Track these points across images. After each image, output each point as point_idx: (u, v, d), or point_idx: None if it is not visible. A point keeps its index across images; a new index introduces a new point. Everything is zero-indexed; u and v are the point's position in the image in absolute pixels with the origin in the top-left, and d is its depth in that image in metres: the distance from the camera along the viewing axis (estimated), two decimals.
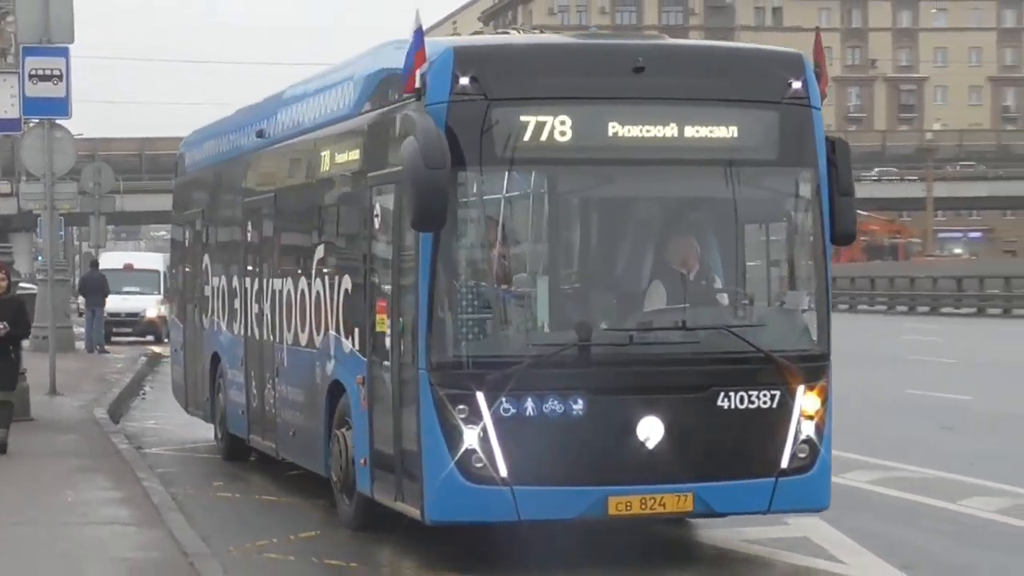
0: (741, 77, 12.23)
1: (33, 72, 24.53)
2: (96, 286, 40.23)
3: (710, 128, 11.88)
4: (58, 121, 25.66)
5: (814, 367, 11.98)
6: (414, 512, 11.73)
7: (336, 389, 14.17)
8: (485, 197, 11.69)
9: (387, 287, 12.61)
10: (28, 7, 25.06)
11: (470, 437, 11.20)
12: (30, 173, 26.96)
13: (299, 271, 15.80)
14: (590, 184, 12.61)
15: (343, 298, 14.01)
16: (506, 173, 11.62)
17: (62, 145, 25.85)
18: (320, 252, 15.05)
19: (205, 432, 21.16)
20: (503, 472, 11.21)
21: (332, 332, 14.33)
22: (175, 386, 23.14)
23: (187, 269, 22.33)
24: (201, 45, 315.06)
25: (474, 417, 11.22)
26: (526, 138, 11.44)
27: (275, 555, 13.50)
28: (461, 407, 11.21)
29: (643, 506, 11.47)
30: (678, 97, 11.96)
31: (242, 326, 18.37)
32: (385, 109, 12.89)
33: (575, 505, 11.40)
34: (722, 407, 11.63)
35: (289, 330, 16.10)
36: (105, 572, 11.71)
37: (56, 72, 24.57)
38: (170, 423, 24.65)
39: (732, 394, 11.64)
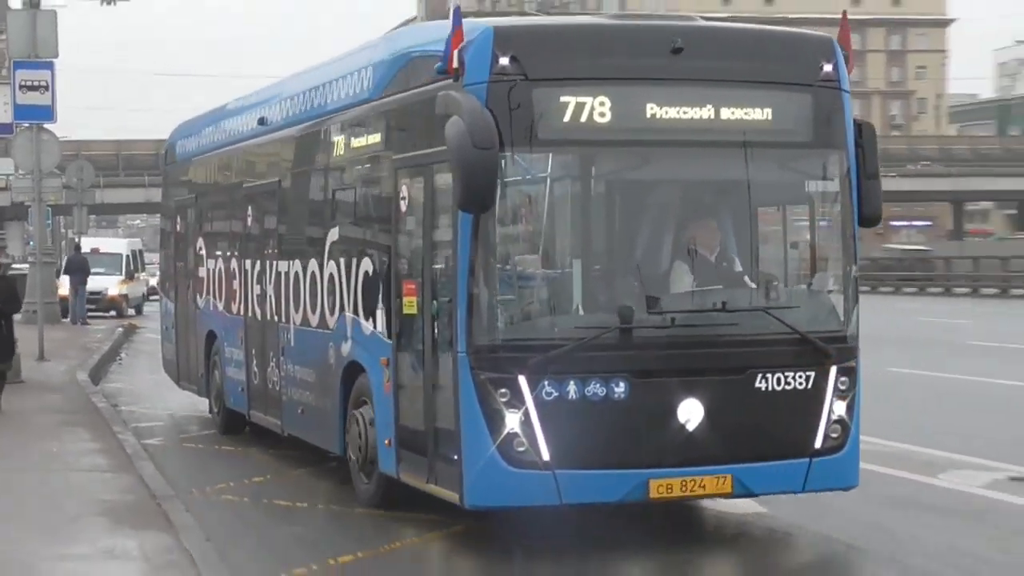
0: (776, 59, 10.73)
1: (23, 83, 24.56)
2: (79, 267, 39.98)
3: (746, 110, 10.41)
4: (45, 125, 25.56)
5: (845, 348, 10.60)
6: (451, 496, 10.25)
7: (353, 370, 12.51)
8: (525, 179, 10.16)
9: (416, 269, 11.08)
10: (18, 27, 25.15)
11: (512, 421, 9.76)
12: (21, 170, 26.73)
13: (309, 254, 13.91)
14: (628, 165, 10.96)
15: (363, 280, 12.27)
16: (546, 154, 10.20)
17: (48, 146, 25.75)
18: (334, 235, 13.17)
19: (174, 392, 20.97)
20: (545, 456, 9.77)
21: (349, 314, 12.57)
22: (166, 362, 20.95)
23: (179, 252, 20.08)
24: (170, 58, 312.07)
25: (516, 401, 9.77)
26: (566, 119, 9.92)
27: (231, 496, 13.49)
28: (503, 391, 9.77)
29: (683, 488, 10.09)
30: (716, 79, 10.40)
31: (242, 306, 16.43)
32: (414, 91, 11.16)
33: (617, 488, 9.99)
34: (760, 389, 10.25)
35: (297, 311, 14.25)
36: (85, 511, 11.60)
37: (43, 83, 24.56)
38: (143, 385, 24.55)
39: (769, 376, 10.26)
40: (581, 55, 10.23)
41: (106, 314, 43.45)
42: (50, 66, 24.77)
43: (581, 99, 9.93)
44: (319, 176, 13.96)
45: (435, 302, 10.54)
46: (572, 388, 9.83)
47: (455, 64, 9.93)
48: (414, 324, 11.00)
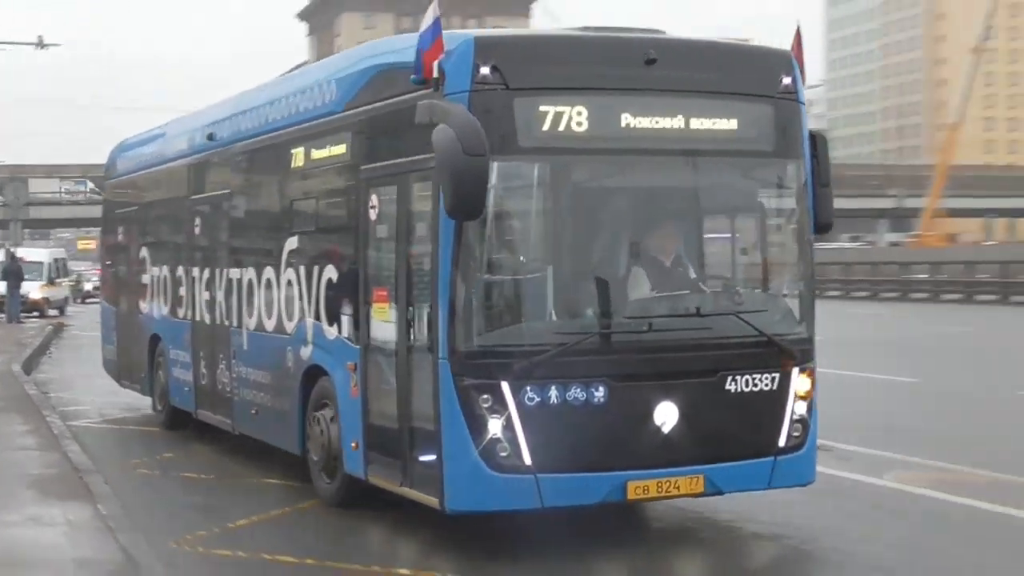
0: (740, 72, 9.48)
1: None
2: (14, 273, 39.15)
3: (713, 120, 9.19)
4: None
5: (805, 350, 9.50)
6: (430, 500, 8.96)
7: (313, 373, 11.05)
8: (505, 186, 8.72)
9: (387, 276, 9.73)
10: None
11: (494, 426, 8.47)
12: None
13: (264, 262, 12.35)
14: (604, 173, 9.55)
15: (326, 287, 10.83)
16: (526, 162, 8.82)
17: None
18: (292, 244, 11.65)
19: (97, 382, 20.51)
20: (528, 460, 8.52)
21: (310, 319, 11.10)
22: (106, 363, 19.11)
23: (121, 260, 18.29)
24: (98, 89, 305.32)
25: (498, 407, 8.48)
26: (545, 127, 8.64)
27: (145, 471, 13.38)
28: (485, 397, 8.48)
29: (659, 490, 8.91)
30: (686, 89, 9.16)
31: (189, 312, 14.74)
32: (385, 102, 9.76)
33: (596, 490, 8.78)
34: (729, 391, 9.08)
35: (251, 317, 12.67)
36: (18, 484, 11.40)
37: None
38: (70, 375, 24.09)
39: (738, 378, 9.10)
40: (559, 65, 8.95)
41: (30, 315, 42.73)
42: None
43: (559, 108, 8.70)
44: (274, 188, 12.50)
45: (411, 308, 9.27)
46: (553, 393, 8.59)
47: (435, 73, 8.68)
48: (385, 330, 9.70)
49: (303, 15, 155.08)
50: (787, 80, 9.48)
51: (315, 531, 10.53)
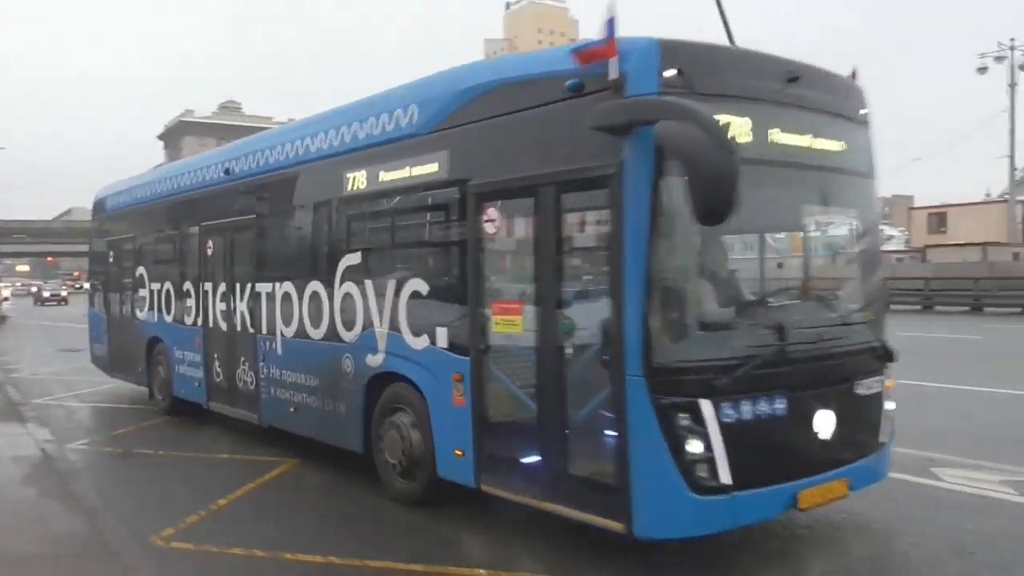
0: (846, 98, 6.77)
1: None
2: None
3: (831, 140, 6.53)
4: None
5: (891, 353, 6.81)
6: (609, 524, 5.88)
7: (383, 379, 7.88)
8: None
9: (515, 288, 6.65)
10: None
11: (694, 446, 5.59)
12: None
13: (309, 277, 8.90)
14: (763, 182, 6.09)
15: (408, 300, 7.56)
16: None
17: None
18: (352, 260, 8.32)
19: (29, 350, 20.31)
20: (725, 479, 5.63)
21: (382, 329, 7.82)
22: (96, 358, 14.94)
23: (114, 277, 14.14)
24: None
25: (697, 425, 5.60)
26: None
27: (59, 403, 13.22)
28: (683, 415, 5.59)
29: (821, 496, 6.13)
30: (817, 109, 6.47)
31: (200, 319, 11.17)
32: (505, 116, 6.61)
33: (777, 503, 5.93)
34: (858, 394, 6.45)
35: (288, 325, 9.21)
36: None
37: None
38: (11, 347, 23.14)
39: (863, 382, 6.49)
40: (731, 74, 6.07)
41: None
42: None
43: (730, 117, 5.85)
44: (319, 211, 8.90)
45: (566, 321, 6.18)
46: (745, 408, 5.77)
47: (613, 75, 5.68)
48: (514, 342, 6.58)
49: (161, 136, 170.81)
50: (864, 110, 6.98)
51: (159, 435, 10.87)
